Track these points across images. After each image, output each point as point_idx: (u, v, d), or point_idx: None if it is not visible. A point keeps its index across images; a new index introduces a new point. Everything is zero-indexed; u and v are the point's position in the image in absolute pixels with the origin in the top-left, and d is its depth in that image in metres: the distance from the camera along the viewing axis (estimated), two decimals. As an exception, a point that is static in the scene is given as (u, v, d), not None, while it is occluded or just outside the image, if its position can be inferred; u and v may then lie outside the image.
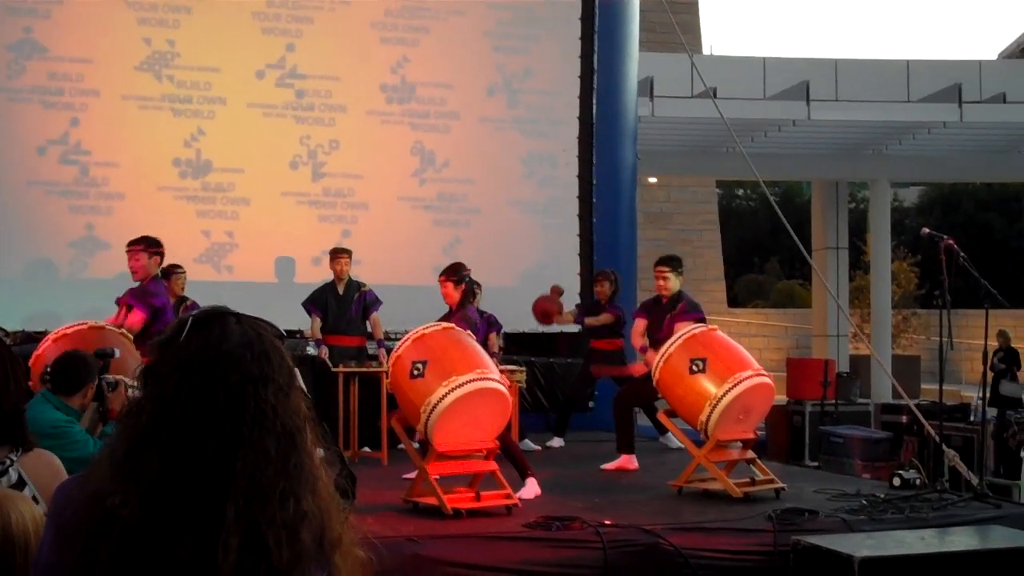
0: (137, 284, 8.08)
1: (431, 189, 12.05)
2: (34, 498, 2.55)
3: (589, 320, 10.26)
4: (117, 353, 5.51)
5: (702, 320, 8.43)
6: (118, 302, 8.10)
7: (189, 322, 1.71)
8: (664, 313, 8.60)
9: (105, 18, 11.15)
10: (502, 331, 10.43)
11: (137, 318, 7.73)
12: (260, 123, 11.48)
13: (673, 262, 8.77)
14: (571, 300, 12.16)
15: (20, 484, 2.59)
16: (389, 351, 9.82)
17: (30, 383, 6.25)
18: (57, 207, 10.90)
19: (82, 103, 11.02)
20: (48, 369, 6.14)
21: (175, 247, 9.45)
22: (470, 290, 8.22)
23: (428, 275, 11.17)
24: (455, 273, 8.09)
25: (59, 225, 10.90)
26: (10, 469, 2.62)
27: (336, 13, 11.79)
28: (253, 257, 11.44)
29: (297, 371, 1.70)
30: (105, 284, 10.10)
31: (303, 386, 1.75)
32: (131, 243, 8.10)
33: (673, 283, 8.64)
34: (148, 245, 8.04)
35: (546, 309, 10.14)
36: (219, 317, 1.72)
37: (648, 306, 8.90)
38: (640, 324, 8.88)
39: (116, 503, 1.58)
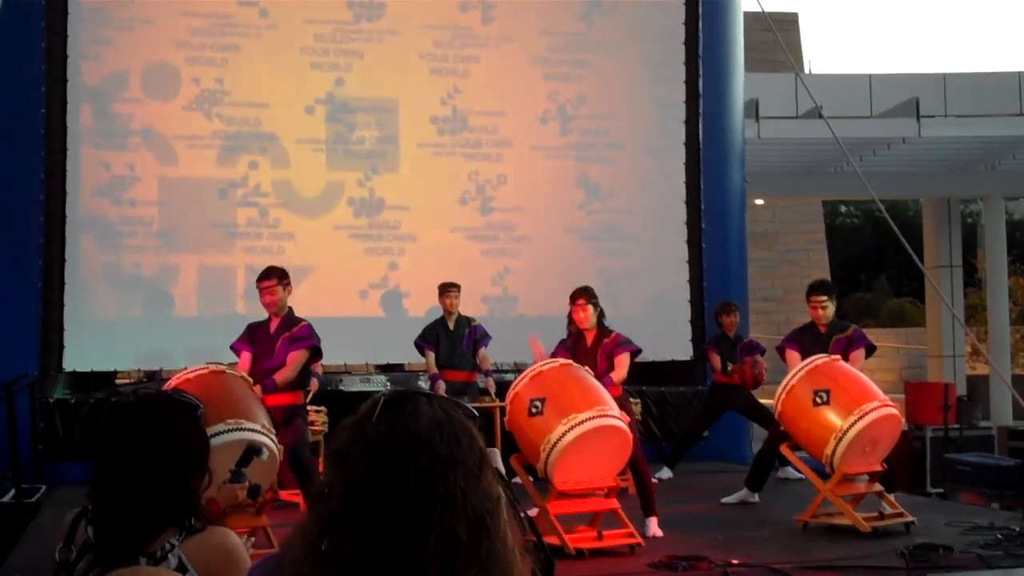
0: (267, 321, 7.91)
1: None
2: None
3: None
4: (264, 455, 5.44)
5: (873, 346, 8.34)
6: (236, 348, 7.91)
7: (381, 402, 1.68)
8: (821, 341, 8.19)
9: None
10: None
11: (294, 359, 7.63)
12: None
13: (830, 288, 8.53)
14: (682, 329, 12.02)
15: (181, 569, 2.48)
16: (498, 383, 9.82)
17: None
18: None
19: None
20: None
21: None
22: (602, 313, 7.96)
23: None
24: (593, 296, 7.87)
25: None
26: (169, 555, 2.50)
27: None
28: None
29: (496, 451, 1.65)
30: (210, 323, 10.28)
31: (500, 467, 1.69)
32: (262, 277, 7.87)
33: (831, 310, 8.35)
34: (281, 277, 7.84)
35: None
36: (410, 397, 1.69)
37: (796, 335, 8.53)
38: (793, 356, 8.15)
39: None
